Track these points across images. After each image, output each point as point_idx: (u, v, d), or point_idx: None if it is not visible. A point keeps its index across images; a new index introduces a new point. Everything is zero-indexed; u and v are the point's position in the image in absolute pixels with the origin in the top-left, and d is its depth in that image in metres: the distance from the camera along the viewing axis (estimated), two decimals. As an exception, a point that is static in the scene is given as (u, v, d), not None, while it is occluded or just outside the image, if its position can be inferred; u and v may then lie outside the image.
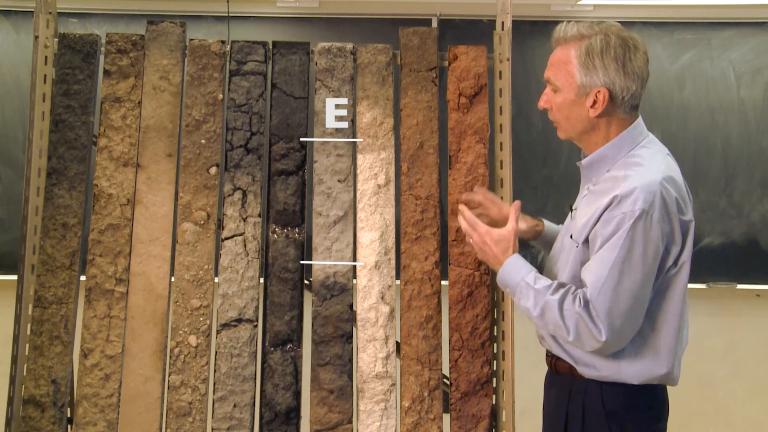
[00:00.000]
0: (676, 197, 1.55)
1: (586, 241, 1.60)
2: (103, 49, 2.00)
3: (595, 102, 1.60)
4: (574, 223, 1.68)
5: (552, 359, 1.72)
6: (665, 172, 1.56)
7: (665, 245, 1.54)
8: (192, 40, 2.00)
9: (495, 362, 1.94)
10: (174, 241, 1.92)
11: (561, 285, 1.61)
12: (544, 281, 1.62)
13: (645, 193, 1.51)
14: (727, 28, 3.10)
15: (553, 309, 1.57)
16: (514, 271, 1.65)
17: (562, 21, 1.67)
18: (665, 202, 1.52)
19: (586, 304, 1.54)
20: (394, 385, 1.90)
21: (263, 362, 1.89)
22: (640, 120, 1.66)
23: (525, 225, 1.88)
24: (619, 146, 1.63)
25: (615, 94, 1.59)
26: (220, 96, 1.98)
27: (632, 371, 1.60)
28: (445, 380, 1.94)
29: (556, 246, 1.79)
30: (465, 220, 1.74)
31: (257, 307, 1.91)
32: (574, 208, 1.73)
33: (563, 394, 1.67)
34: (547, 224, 1.91)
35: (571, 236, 1.66)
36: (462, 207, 1.77)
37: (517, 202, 1.73)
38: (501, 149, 1.98)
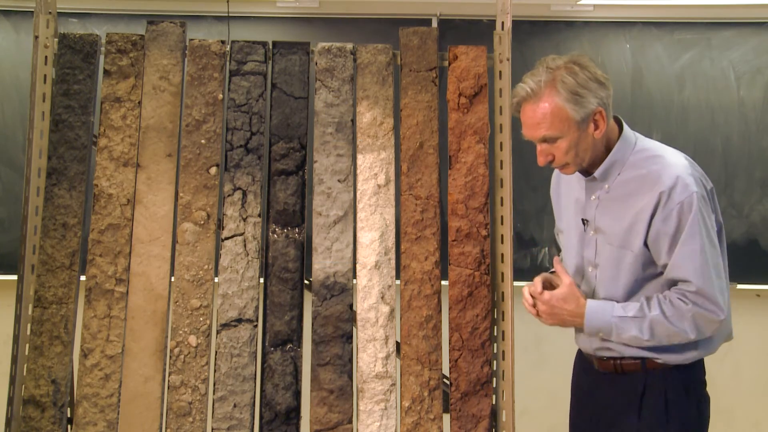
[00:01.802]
0: (700, 173, 1.67)
1: (645, 245, 1.63)
2: (103, 49, 2.00)
3: (596, 124, 1.65)
4: (606, 233, 1.70)
5: (614, 361, 1.72)
6: (680, 155, 1.67)
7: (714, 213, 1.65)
8: (192, 40, 2.00)
9: (495, 362, 1.94)
10: (174, 241, 1.92)
11: (647, 299, 1.65)
12: (633, 306, 1.65)
13: (686, 177, 1.60)
14: (727, 28, 3.10)
15: (662, 323, 1.61)
16: (600, 313, 1.68)
17: (525, 75, 1.70)
18: (700, 180, 1.64)
19: (695, 296, 1.59)
20: (394, 385, 1.90)
21: (263, 362, 1.89)
22: (621, 119, 1.74)
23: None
24: (624, 148, 1.69)
25: (607, 106, 1.66)
26: (220, 96, 1.98)
27: (712, 343, 1.69)
28: (445, 380, 1.94)
29: (586, 256, 1.79)
30: (526, 300, 1.79)
31: (257, 307, 1.91)
32: (587, 219, 1.74)
33: (632, 391, 1.69)
34: None
35: (610, 245, 1.70)
36: (525, 292, 1.80)
37: (557, 258, 1.81)
38: (501, 149, 1.98)
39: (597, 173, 1.70)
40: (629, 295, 1.68)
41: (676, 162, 1.63)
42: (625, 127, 1.71)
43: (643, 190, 1.62)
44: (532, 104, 1.65)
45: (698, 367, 1.70)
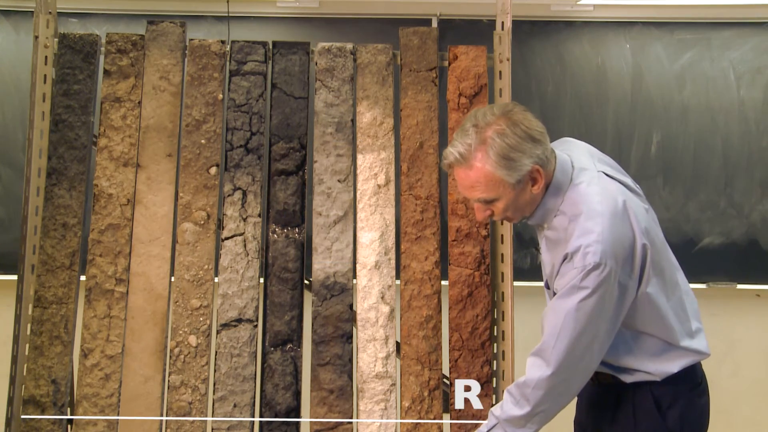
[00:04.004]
0: (629, 229, 1.54)
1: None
2: (103, 49, 2.00)
3: (534, 181, 1.57)
4: (545, 266, 1.70)
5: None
6: (605, 211, 1.53)
7: (623, 286, 1.54)
8: (192, 40, 2.00)
9: (495, 362, 1.94)
10: (174, 241, 1.92)
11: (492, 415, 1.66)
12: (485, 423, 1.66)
13: (592, 245, 1.50)
14: (727, 28, 3.10)
15: (508, 401, 1.61)
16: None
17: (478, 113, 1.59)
18: (612, 248, 1.51)
19: (527, 376, 1.58)
20: (394, 385, 1.90)
21: (263, 362, 1.89)
22: (556, 153, 1.62)
23: None
24: (555, 194, 1.60)
25: (544, 160, 1.56)
26: (220, 96, 1.98)
27: (665, 368, 1.63)
28: (445, 380, 1.94)
29: (547, 275, 1.81)
30: None
31: (257, 307, 1.91)
32: (539, 248, 1.74)
33: (608, 401, 1.70)
34: None
35: (546, 283, 1.69)
36: None
37: None
38: (501, 149, 1.98)
39: (531, 222, 1.66)
40: None
41: (588, 228, 1.52)
42: (557, 169, 1.60)
43: (561, 244, 1.57)
44: (464, 169, 1.55)
45: (670, 386, 1.64)
